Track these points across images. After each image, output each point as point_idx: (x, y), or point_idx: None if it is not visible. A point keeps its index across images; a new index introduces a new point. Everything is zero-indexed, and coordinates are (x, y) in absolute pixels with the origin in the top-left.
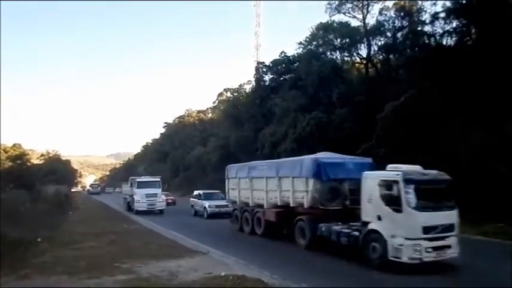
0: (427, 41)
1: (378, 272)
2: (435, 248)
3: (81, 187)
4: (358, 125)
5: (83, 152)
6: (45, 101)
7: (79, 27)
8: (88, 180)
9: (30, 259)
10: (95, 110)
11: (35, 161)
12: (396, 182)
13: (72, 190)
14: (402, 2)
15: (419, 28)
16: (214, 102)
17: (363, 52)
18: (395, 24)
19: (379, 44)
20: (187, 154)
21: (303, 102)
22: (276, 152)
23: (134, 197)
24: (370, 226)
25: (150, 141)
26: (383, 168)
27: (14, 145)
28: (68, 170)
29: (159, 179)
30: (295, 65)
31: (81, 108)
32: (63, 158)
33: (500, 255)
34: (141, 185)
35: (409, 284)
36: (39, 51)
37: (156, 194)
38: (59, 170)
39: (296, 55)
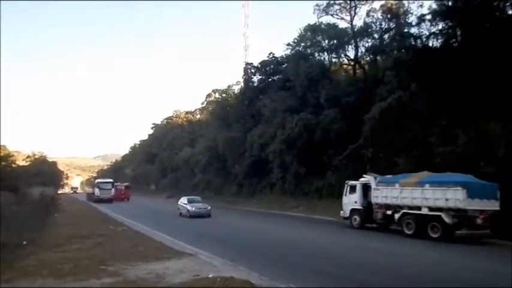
0: (413, 43)
1: None
2: None
3: (72, 188)
4: (346, 126)
5: (69, 153)
6: (31, 102)
7: (65, 26)
8: (75, 181)
9: (15, 262)
10: (82, 111)
11: (21, 163)
12: None
13: (59, 192)
14: (389, 4)
15: (405, 30)
16: (202, 103)
17: (351, 53)
18: (382, 26)
19: (367, 45)
20: (176, 155)
21: (291, 103)
22: (264, 153)
23: None
24: None
25: (138, 143)
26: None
27: None
28: (54, 172)
29: None
30: (284, 66)
31: (67, 109)
32: (49, 160)
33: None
34: None
35: None
36: (23, 51)
37: None
38: (45, 172)
39: (284, 56)
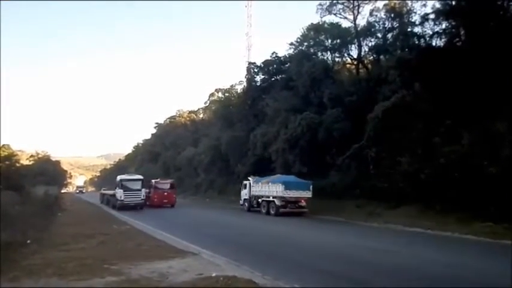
0: (417, 42)
1: None
2: None
3: (77, 187)
4: (349, 125)
5: (73, 152)
6: (35, 101)
7: (66, 26)
8: (78, 181)
9: (19, 261)
10: (86, 110)
11: (24, 162)
12: None
13: (63, 191)
14: (392, 3)
15: (409, 29)
16: (205, 103)
17: (354, 53)
18: (386, 25)
19: (370, 44)
20: (179, 155)
21: (294, 102)
22: (267, 153)
23: None
24: None
25: (141, 142)
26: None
27: (3, 146)
28: (58, 171)
29: None
30: (287, 65)
31: (71, 108)
32: (53, 159)
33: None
34: None
35: None
36: (28, 50)
37: None
38: (48, 171)
39: (287, 56)
